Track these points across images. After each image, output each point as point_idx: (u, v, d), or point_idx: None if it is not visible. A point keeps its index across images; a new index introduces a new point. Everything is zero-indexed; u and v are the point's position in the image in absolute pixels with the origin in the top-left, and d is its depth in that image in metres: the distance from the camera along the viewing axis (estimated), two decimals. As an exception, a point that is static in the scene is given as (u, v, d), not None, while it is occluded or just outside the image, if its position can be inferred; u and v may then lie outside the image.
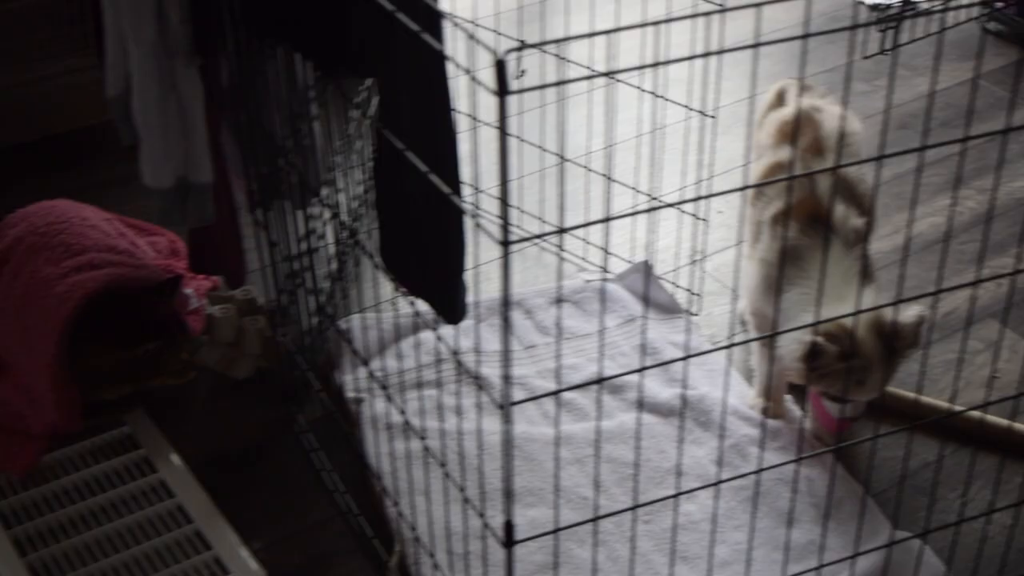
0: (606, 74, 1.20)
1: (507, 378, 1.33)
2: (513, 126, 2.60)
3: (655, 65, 1.22)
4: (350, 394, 2.30)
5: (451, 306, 1.85)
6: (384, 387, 1.80)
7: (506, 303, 1.23)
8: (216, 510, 2.15)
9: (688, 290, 2.59)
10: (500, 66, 1.11)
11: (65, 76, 3.04)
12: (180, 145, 2.07)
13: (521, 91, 1.15)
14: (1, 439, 2.26)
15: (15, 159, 3.05)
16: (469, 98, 2.76)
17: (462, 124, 1.75)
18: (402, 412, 1.78)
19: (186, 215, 2.14)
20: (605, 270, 2.66)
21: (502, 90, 1.12)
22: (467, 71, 1.23)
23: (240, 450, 2.29)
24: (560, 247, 2.72)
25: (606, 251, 2.67)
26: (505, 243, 1.21)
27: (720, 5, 2.17)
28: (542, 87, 1.17)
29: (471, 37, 1.17)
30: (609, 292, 2.60)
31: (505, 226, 1.20)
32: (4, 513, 2.15)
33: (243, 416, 2.35)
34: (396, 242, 1.82)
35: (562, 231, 1.25)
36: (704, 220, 2.51)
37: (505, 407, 1.35)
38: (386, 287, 2.53)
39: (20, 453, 2.24)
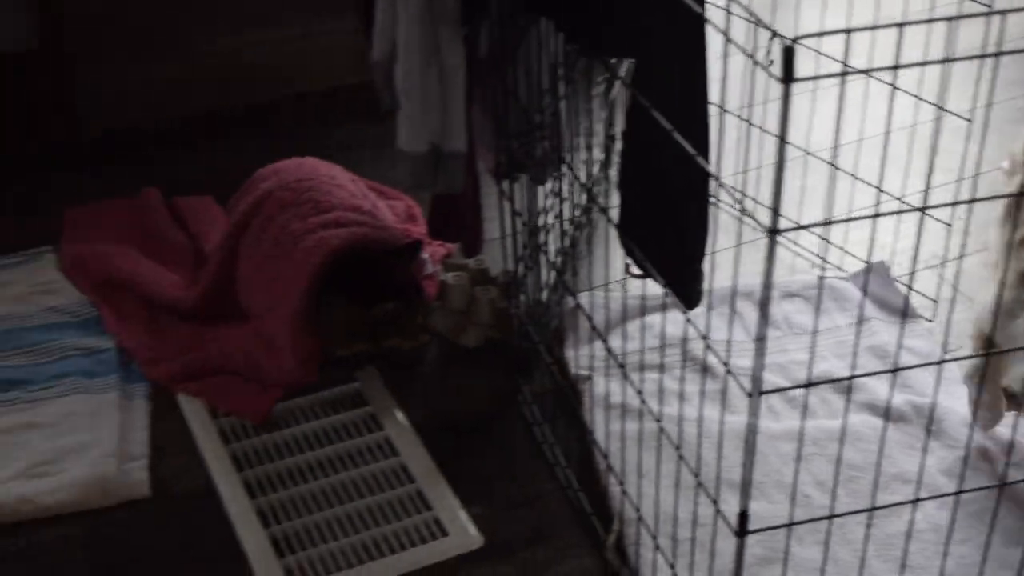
0: (892, 68, 1.18)
1: (760, 367, 1.32)
2: (756, 115, 2.58)
3: (940, 62, 1.20)
4: (577, 370, 2.31)
5: (689, 291, 1.84)
6: (621, 366, 1.81)
7: (767, 291, 1.22)
8: (438, 472, 2.19)
9: (928, 296, 2.53)
10: (788, 53, 1.10)
11: (320, 37, 3.13)
12: (437, 112, 2.10)
13: (806, 79, 1.14)
14: (240, 386, 2.34)
15: (269, 115, 3.16)
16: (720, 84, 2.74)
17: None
18: (639, 392, 1.78)
19: (436, 181, 2.17)
20: (840, 268, 2.62)
21: (787, 77, 1.11)
22: (750, 55, 1.23)
23: (465, 416, 2.32)
24: (795, 242, 2.68)
25: (844, 250, 2.63)
26: (773, 231, 1.21)
27: (987, 6, 2.12)
28: (827, 76, 1.15)
29: (758, 23, 1.16)
30: (842, 290, 2.56)
31: (775, 215, 1.19)
32: (237, 456, 2.23)
33: (470, 384, 2.39)
34: (638, 222, 1.82)
35: (829, 223, 1.24)
36: (948, 224, 2.45)
37: (753, 396, 1.34)
38: (615, 267, 2.53)
39: (257, 400, 2.32)
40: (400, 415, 2.31)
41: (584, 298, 2.44)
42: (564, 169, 2.13)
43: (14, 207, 2.89)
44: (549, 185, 2.31)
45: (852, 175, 2.65)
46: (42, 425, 2.28)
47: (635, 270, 2.54)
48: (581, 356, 2.32)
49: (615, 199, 1.87)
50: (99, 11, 2.96)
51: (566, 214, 2.48)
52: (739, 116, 2.62)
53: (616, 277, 2.50)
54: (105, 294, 2.57)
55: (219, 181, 2.82)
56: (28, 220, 2.84)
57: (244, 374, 2.36)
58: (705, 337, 1.54)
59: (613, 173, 2.77)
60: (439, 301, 2.49)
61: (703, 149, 1.68)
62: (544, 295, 2.36)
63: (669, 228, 1.74)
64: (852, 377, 1.36)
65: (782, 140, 1.16)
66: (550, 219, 2.35)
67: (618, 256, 2.09)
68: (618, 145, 2.88)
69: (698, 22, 1.54)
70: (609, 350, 1.87)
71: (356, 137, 3.04)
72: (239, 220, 2.41)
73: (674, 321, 2.43)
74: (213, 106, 3.15)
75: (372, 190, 2.66)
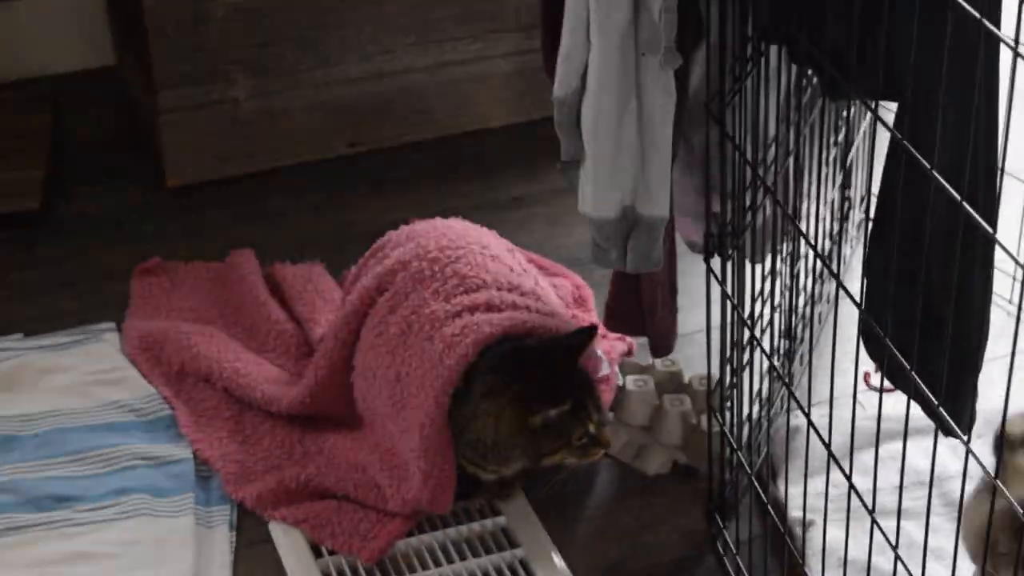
0: None
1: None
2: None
3: None
4: (796, 513, 2.27)
5: (960, 412, 1.79)
6: (871, 511, 1.76)
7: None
8: (609, 644, 2.16)
9: None
10: None
11: (477, 62, 3.15)
12: (634, 166, 2.09)
13: None
14: (351, 514, 2.33)
15: (404, 162, 3.18)
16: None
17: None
18: (894, 548, 1.73)
19: (625, 256, 2.15)
20: None
21: None
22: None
23: (645, 567, 2.30)
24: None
25: None
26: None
27: None
28: None
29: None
30: None
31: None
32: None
33: (651, 523, 2.37)
34: (892, 316, 1.78)
35: None
36: None
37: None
38: (847, 375, 2.47)
39: (372, 533, 2.31)
40: (559, 562, 2.29)
41: (813, 415, 2.39)
42: (794, 241, 2.09)
43: (67, 272, 2.94)
44: (768, 264, 2.28)
45: None
46: (96, 556, 2.30)
47: (875, 380, 2.49)
48: (800, 494, 2.26)
49: (851, 284, 1.84)
50: (188, 27, 3.02)
51: (790, 301, 2.44)
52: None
53: (849, 389, 2.44)
54: (180, 387, 2.59)
55: (333, 245, 2.84)
56: (85, 288, 2.88)
57: (357, 499, 2.35)
58: (994, 478, 1.49)
59: (846, 250, 2.73)
60: (613, 413, 2.45)
61: (991, 224, 1.65)
62: (755, 409, 2.32)
63: (940, 328, 1.69)
64: None
65: None
66: (767, 310, 2.32)
67: (850, 360, 2.04)
68: (856, 214, 2.85)
69: (994, 57, 1.51)
70: (852, 487, 1.82)
71: (518, 193, 3.05)
72: (361, 296, 2.41)
73: (921, 450, 2.37)
74: (329, 148, 3.18)
75: (531, 263, 2.65)
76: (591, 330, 2.29)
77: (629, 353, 2.61)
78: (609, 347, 2.57)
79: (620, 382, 2.48)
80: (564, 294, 2.70)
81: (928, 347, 1.73)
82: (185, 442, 2.49)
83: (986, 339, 1.76)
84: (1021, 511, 1.55)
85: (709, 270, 2.12)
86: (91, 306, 2.81)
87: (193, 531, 2.32)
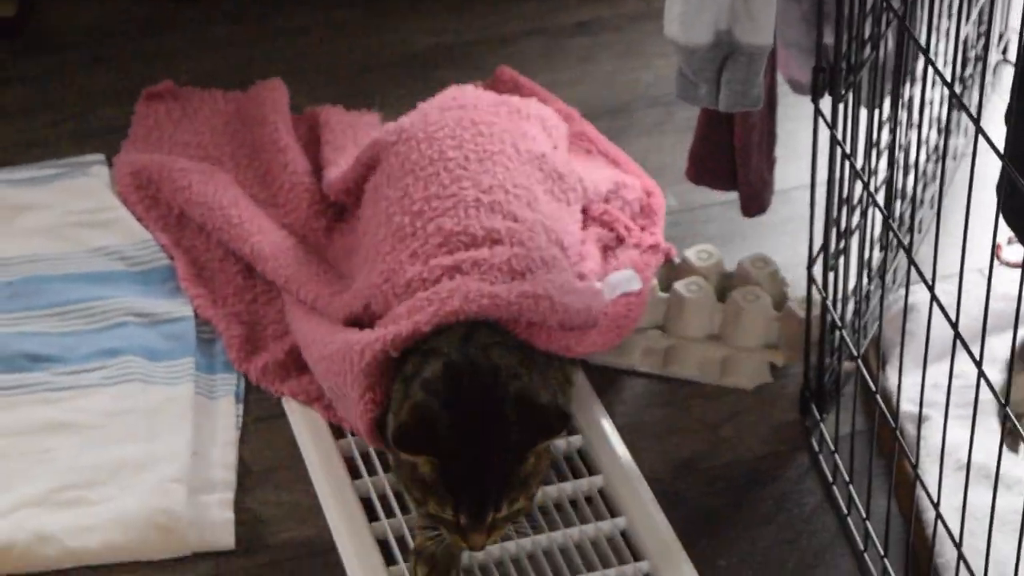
0: None
1: None
2: None
3: None
4: (909, 406, 2.27)
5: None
6: (1003, 404, 1.75)
7: None
8: (680, 550, 2.17)
9: None
10: None
11: None
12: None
13: None
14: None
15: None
16: None
17: None
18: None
19: (718, 92, 2.14)
20: None
21: None
22: None
23: (724, 464, 2.32)
24: None
25: None
26: None
27: None
28: None
29: None
30: None
31: None
32: (371, 498, 2.23)
33: (733, 413, 2.39)
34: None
35: None
36: None
37: None
38: (978, 245, 2.47)
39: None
40: (622, 452, 2.31)
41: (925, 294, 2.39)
42: (923, 81, 2.07)
43: (49, 93, 2.95)
44: (887, 109, 2.26)
45: None
46: (78, 426, 2.32)
47: (1014, 254, 2.48)
48: (915, 384, 2.26)
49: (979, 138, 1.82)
50: None
51: (911, 154, 2.43)
52: None
53: (977, 263, 2.43)
54: (181, 234, 2.62)
55: (361, 70, 2.83)
56: (70, 113, 2.90)
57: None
58: None
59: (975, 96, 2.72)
60: (663, 330, 2.46)
61: None
62: (864, 282, 2.31)
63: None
64: None
65: None
66: (882, 164, 2.30)
67: (981, 228, 2.02)
68: (994, 54, 2.82)
69: None
70: (983, 376, 1.81)
71: (585, 16, 3.06)
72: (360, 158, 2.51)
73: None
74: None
75: (586, 141, 2.67)
76: (548, 429, 2.07)
77: (667, 260, 2.55)
78: (641, 262, 2.48)
79: (660, 295, 2.46)
80: (631, 199, 2.64)
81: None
82: (185, 298, 2.52)
83: None
84: None
85: (817, 111, 2.10)
86: (76, 134, 2.83)
87: (192, 401, 2.34)
